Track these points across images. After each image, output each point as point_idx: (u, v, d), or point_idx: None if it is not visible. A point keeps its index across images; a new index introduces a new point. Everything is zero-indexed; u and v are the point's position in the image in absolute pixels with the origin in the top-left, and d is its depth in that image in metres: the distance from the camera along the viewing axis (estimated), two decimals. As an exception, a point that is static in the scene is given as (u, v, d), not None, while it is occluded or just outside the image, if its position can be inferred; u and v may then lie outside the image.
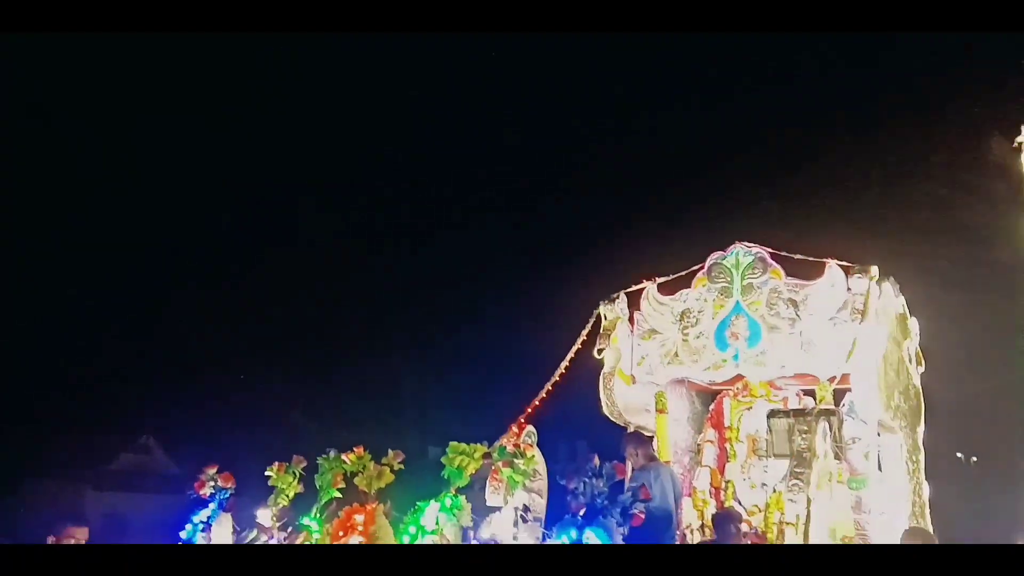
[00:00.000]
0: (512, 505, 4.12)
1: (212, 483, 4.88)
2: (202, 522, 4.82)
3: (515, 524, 3.97)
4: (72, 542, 5.15)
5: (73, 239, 13.42)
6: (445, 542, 4.02)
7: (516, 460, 4.36)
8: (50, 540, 5.16)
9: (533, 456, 4.56)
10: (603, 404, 7.91)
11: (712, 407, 8.44)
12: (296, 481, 4.83)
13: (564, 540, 3.54)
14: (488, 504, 5.55)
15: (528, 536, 3.91)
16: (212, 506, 4.85)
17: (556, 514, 3.90)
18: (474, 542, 3.99)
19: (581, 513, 3.66)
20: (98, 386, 13.45)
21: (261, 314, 14.66)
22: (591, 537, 3.52)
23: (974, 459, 14.45)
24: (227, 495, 4.91)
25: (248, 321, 14.50)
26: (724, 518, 6.70)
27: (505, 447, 4.46)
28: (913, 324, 7.74)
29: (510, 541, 3.89)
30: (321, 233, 15.23)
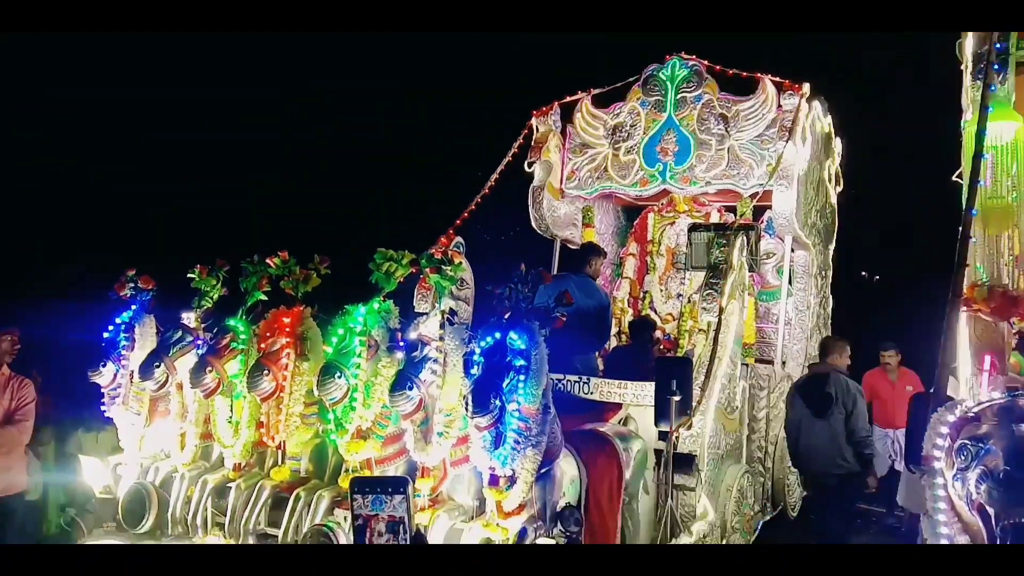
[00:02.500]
0: (439, 309, 4.18)
1: (131, 285, 4.81)
2: (124, 323, 4.80)
3: (441, 326, 4.05)
4: (8, 338, 5.59)
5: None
6: (373, 343, 4.10)
7: (443, 267, 4.37)
8: None
9: (460, 263, 4.57)
10: (532, 217, 7.96)
11: (636, 222, 8.64)
12: (219, 284, 4.79)
13: (488, 341, 3.64)
14: (416, 311, 5.67)
15: (455, 337, 4.00)
16: (134, 307, 4.81)
17: (483, 321, 3.96)
18: (401, 344, 4.08)
19: (506, 317, 3.72)
20: (11, 196, 12.80)
21: (182, 118, 13.90)
22: (513, 337, 3.61)
23: (876, 277, 15.39)
24: (148, 296, 4.86)
25: (168, 122, 13.75)
26: (640, 325, 7.06)
27: (433, 254, 4.45)
28: (837, 144, 7.88)
29: (436, 342, 3.99)
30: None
